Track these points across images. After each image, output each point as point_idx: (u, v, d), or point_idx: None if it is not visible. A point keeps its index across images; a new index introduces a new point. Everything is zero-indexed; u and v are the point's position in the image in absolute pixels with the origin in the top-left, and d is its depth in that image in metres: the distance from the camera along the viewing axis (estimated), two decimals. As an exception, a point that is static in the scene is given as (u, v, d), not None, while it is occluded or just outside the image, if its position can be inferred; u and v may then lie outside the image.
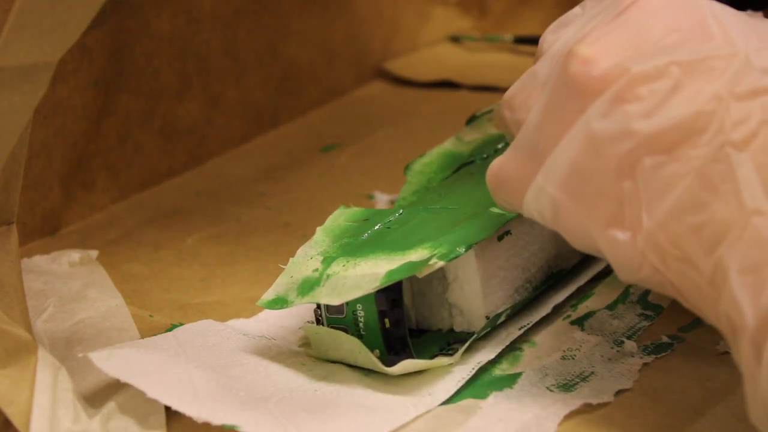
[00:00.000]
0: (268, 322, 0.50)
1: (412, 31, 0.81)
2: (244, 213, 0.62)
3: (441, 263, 0.44)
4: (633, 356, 0.46)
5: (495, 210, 0.47)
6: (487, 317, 0.47)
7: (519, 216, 0.47)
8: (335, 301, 0.44)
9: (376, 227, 0.48)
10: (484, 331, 0.47)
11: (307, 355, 0.47)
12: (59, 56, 0.42)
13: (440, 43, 0.82)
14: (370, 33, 0.78)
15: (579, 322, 0.48)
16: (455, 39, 0.83)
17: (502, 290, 0.47)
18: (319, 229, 0.49)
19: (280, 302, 0.46)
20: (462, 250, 0.45)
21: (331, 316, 0.46)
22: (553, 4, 0.80)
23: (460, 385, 0.44)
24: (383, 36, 0.79)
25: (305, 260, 0.47)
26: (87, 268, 0.55)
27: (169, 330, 0.49)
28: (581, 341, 0.47)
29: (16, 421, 0.41)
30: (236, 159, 0.68)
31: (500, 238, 0.47)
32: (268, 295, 0.46)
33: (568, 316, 0.49)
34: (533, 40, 0.80)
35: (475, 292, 0.46)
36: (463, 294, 0.47)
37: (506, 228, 0.47)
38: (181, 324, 0.50)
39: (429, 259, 0.44)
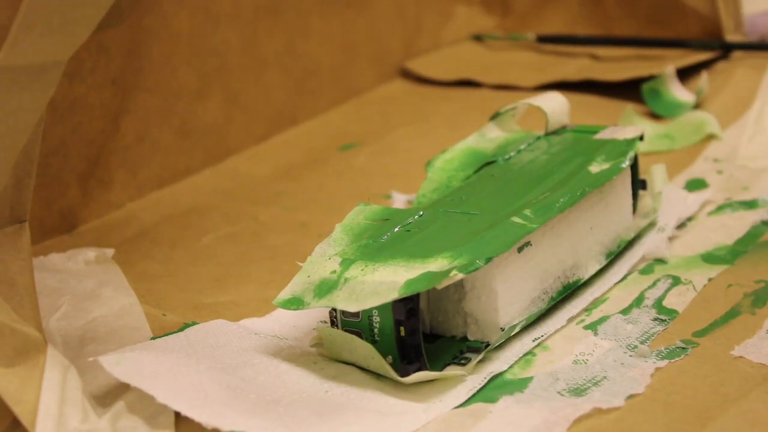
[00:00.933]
0: (281, 322, 0.50)
1: (434, 29, 0.81)
2: (261, 212, 0.61)
3: (461, 275, 0.44)
4: (646, 361, 0.45)
5: (516, 220, 0.47)
6: (502, 329, 0.46)
7: (539, 227, 0.47)
8: (353, 308, 0.44)
9: (396, 229, 0.48)
10: (498, 343, 0.46)
11: (318, 354, 0.47)
12: (69, 55, 0.42)
13: (463, 42, 0.82)
14: (392, 32, 0.78)
15: (593, 327, 0.48)
16: (478, 38, 0.82)
17: (519, 302, 0.47)
18: (338, 226, 0.48)
19: (296, 302, 0.45)
20: (482, 263, 0.44)
21: (346, 319, 0.45)
22: (577, 3, 0.80)
23: (471, 393, 0.44)
24: (405, 35, 0.79)
25: (323, 260, 0.46)
26: (102, 266, 0.55)
27: (182, 329, 0.49)
28: (594, 346, 0.46)
29: (25, 420, 0.41)
30: (254, 158, 0.68)
31: (520, 250, 0.47)
32: (284, 294, 0.46)
33: (582, 320, 0.48)
34: (556, 39, 0.79)
35: (492, 303, 0.46)
36: (480, 304, 0.46)
37: (526, 240, 0.47)
38: (194, 323, 0.50)
39: (449, 271, 0.44)
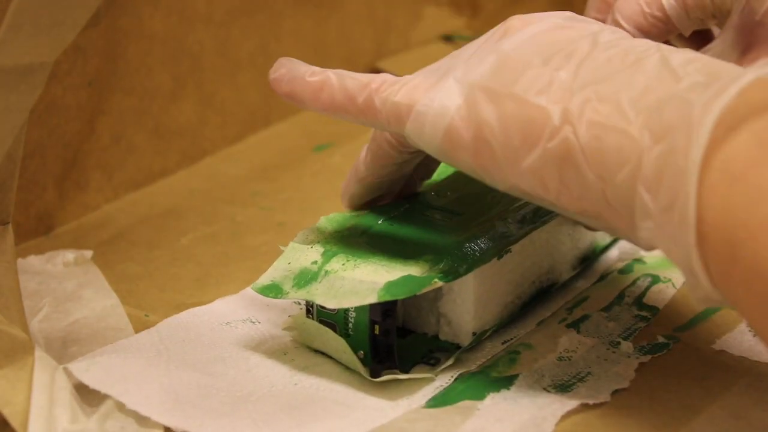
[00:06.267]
0: (254, 300, 0.50)
1: (404, 30, 0.81)
2: (238, 213, 0.62)
3: (440, 284, 0.44)
4: (629, 357, 0.46)
5: (499, 228, 0.47)
6: (474, 333, 0.47)
7: (522, 236, 0.47)
8: (330, 305, 0.44)
9: (380, 221, 0.48)
10: (469, 347, 0.47)
11: (290, 340, 0.47)
12: (55, 56, 0.42)
13: (432, 43, 0.82)
14: (363, 32, 0.78)
15: (575, 325, 0.48)
16: (447, 38, 0.83)
17: (493, 306, 0.47)
18: (322, 218, 0.48)
19: (274, 290, 0.46)
20: (462, 272, 0.45)
21: (322, 309, 0.46)
22: (546, 4, 0.80)
23: (437, 391, 0.44)
24: (375, 35, 0.79)
25: (305, 247, 0.46)
26: (82, 268, 0.55)
27: (164, 330, 0.50)
28: (577, 343, 0.47)
29: (14, 421, 0.41)
30: (230, 158, 0.68)
31: (500, 257, 0.47)
32: (264, 279, 0.46)
33: (564, 319, 0.49)
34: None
35: (468, 308, 0.46)
36: (455, 307, 0.47)
37: (508, 247, 0.47)
38: (177, 324, 0.50)
39: (431, 278, 0.44)
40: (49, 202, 0.60)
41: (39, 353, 0.43)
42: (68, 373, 0.44)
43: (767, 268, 0.34)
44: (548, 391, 0.44)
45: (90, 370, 0.43)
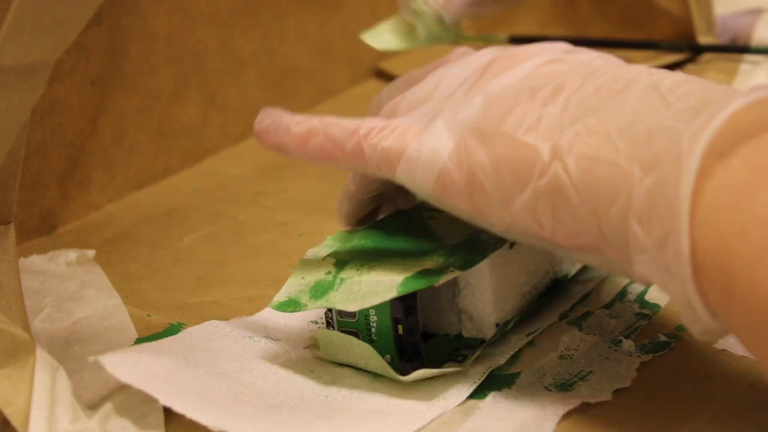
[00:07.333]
0: (272, 321, 0.50)
1: (407, 30, 0.81)
2: (240, 212, 0.62)
3: (458, 273, 0.44)
4: (631, 355, 0.46)
5: None
6: (497, 324, 0.46)
7: None
8: (351, 308, 0.44)
9: (386, 231, 0.48)
10: (494, 339, 0.47)
11: (314, 358, 0.47)
12: (57, 55, 0.42)
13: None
14: (366, 32, 0.78)
15: (577, 322, 0.48)
16: (451, 38, 0.82)
17: (512, 297, 0.47)
18: (329, 237, 0.48)
19: (292, 305, 0.45)
20: (478, 260, 0.45)
21: (342, 320, 0.46)
22: (549, 4, 0.80)
23: (472, 389, 0.44)
24: (379, 35, 0.79)
25: (317, 260, 0.46)
26: (84, 267, 0.55)
27: (167, 330, 0.49)
28: (579, 341, 0.47)
29: (15, 421, 0.41)
30: (233, 158, 0.68)
31: (512, 245, 0.47)
32: (280, 296, 0.46)
33: (566, 316, 0.49)
34: (528, 40, 0.80)
35: (487, 299, 0.46)
36: (475, 301, 0.47)
37: None
38: (180, 323, 0.50)
39: (447, 268, 0.44)
40: (52, 201, 0.60)
41: (40, 353, 0.43)
42: (99, 366, 0.43)
43: (765, 297, 0.34)
44: (549, 390, 0.44)
45: (122, 364, 0.43)
